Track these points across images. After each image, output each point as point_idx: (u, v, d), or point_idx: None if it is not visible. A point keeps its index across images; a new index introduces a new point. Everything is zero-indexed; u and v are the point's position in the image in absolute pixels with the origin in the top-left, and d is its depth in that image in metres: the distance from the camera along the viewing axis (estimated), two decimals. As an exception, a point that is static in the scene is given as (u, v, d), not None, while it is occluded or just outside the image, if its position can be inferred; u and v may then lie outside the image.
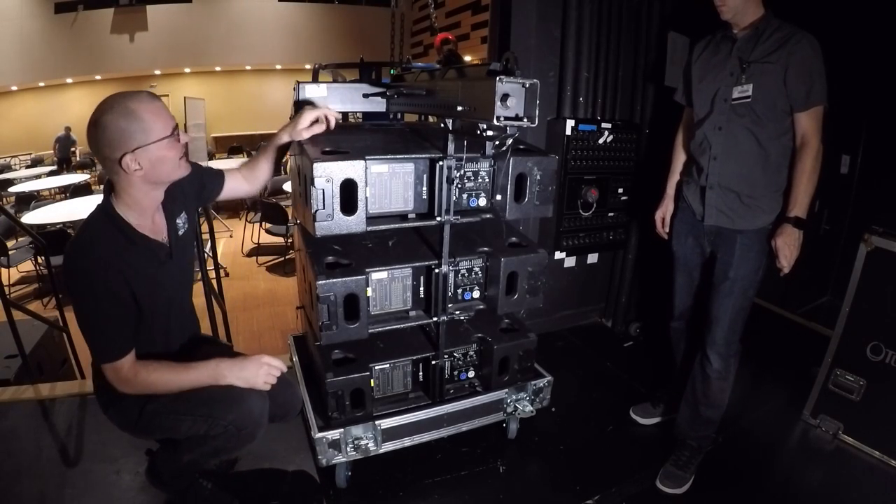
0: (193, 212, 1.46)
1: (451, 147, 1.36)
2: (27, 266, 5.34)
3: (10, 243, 4.98)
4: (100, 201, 1.24)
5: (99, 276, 1.15)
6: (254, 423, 1.27)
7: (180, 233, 1.36)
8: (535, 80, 1.10)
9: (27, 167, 11.07)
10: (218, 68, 12.91)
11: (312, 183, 1.22)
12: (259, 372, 1.28)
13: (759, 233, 1.61)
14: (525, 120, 1.11)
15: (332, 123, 1.49)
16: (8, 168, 10.96)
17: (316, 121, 1.46)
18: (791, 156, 1.59)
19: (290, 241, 5.26)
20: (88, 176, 8.94)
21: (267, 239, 5.65)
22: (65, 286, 1.20)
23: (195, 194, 1.45)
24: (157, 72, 13.06)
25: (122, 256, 1.19)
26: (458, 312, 1.58)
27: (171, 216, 1.33)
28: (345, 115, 1.97)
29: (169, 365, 1.26)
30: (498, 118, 1.08)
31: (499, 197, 1.48)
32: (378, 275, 1.49)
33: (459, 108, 1.22)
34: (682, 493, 1.67)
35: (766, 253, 1.62)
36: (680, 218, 1.81)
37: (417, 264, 1.53)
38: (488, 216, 1.52)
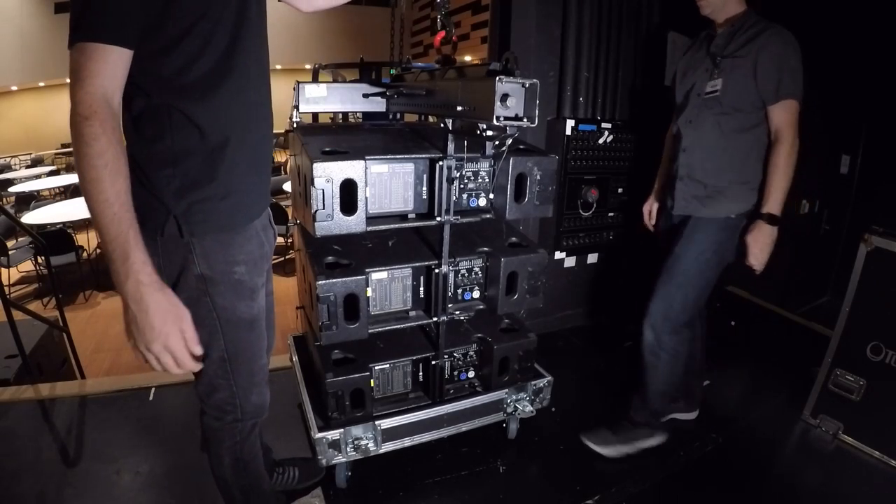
0: None
1: (451, 147, 1.36)
2: (27, 266, 5.34)
3: (10, 243, 4.99)
4: None
5: None
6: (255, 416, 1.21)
7: None
8: (535, 80, 1.10)
9: (27, 167, 11.07)
10: (218, 68, 12.90)
11: (312, 183, 1.22)
12: (161, 345, 0.87)
13: (715, 222, 1.64)
14: (525, 120, 1.11)
15: None
16: (8, 168, 10.97)
17: None
18: (767, 150, 1.60)
19: (289, 241, 5.26)
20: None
21: (267, 239, 5.64)
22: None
23: None
24: (157, 72, 13.05)
25: None
26: (458, 312, 1.58)
27: None
28: (345, 115, 1.97)
29: (126, 175, 0.84)
30: (498, 118, 1.08)
31: (501, 197, 1.48)
32: (378, 275, 1.49)
33: (459, 108, 1.22)
34: (607, 455, 1.77)
35: (721, 242, 1.65)
36: (664, 213, 1.86)
37: (417, 264, 1.53)
38: (488, 216, 1.52)
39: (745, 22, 1.58)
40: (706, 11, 1.62)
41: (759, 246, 1.60)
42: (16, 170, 10.86)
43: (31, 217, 5.29)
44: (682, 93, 1.72)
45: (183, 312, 0.90)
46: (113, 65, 0.85)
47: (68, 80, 0.88)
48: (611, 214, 2.57)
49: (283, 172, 7.48)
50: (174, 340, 0.88)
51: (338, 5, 1.26)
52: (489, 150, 1.36)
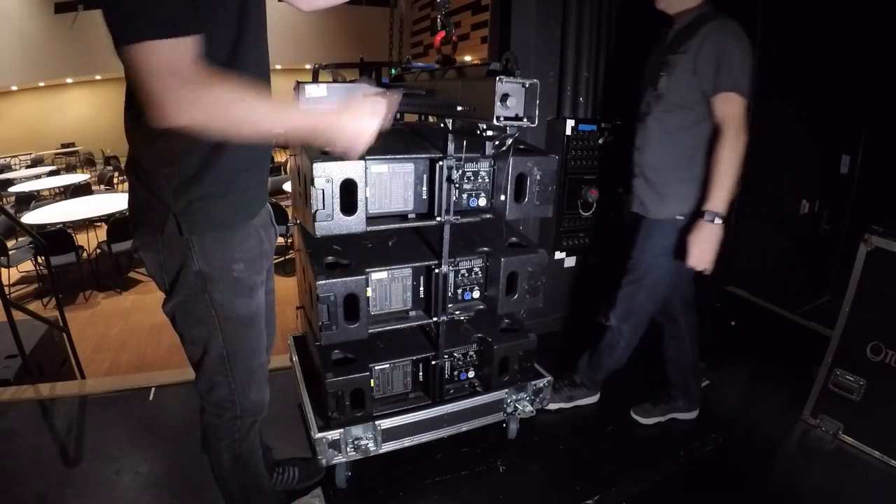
0: None
1: (451, 147, 1.36)
2: (27, 266, 5.35)
3: (10, 243, 4.99)
4: None
5: None
6: (255, 413, 1.22)
7: None
8: (535, 80, 1.10)
9: (27, 167, 11.07)
10: (218, 68, 12.91)
11: (312, 183, 1.22)
12: (371, 121, 0.97)
13: (664, 224, 1.67)
14: (525, 120, 1.11)
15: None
16: (8, 168, 10.96)
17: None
18: (705, 147, 1.59)
19: (289, 241, 5.26)
20: (88, 176, 8.95)
21: (267, 239, 5.64)
22: None
23: None
24: (157, 72, 13.04)
25: None
26: (458, 312, 1.58)
27: None
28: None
29: (254, 90, 0.85)
30: (498, 118, 1.08)
31: (502, 197, 1.48)
32: (378, 275, 1.49)
33: (459, 108, 1.22)
34: (546, 408, 1.89)
35: (668, 246, 1.67)
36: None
37: (417, 264, 1.53)
38: (488, 216, 1.52)
39: (698, 16, 1.54)
40: (661, 6, 1.60)
41: (699, 246, 1.55)
42: (16, 170, 10.86)
43: (31, 217, 5.29)
44: (643, 94, 1.72)
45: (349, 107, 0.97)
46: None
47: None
48: (611, 214, 2.57)
49: (283, 172, 7.48)
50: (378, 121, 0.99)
51: (337, 4, 1.26)
52: (489, 150, 1.36)
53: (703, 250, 1.56)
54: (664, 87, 1.58)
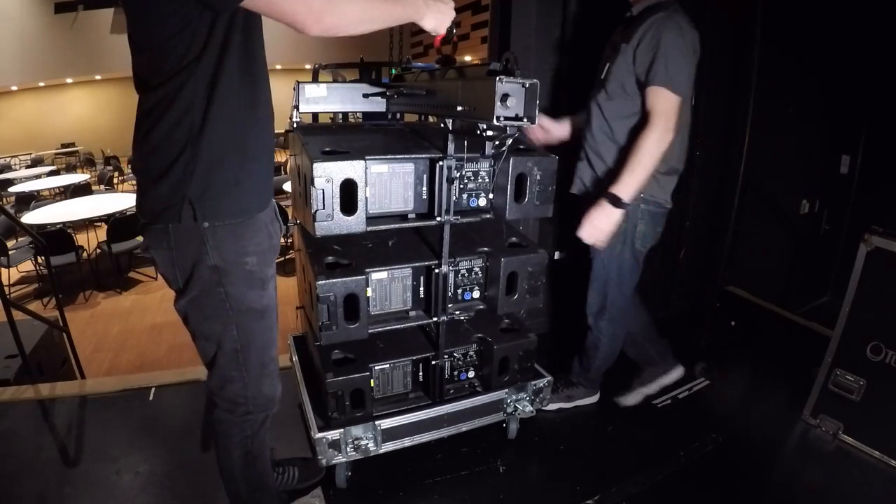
0: None
1: (451, 147, 1.36)
2: (27, 266, 5.35)
3: (10, 243, 4.99)
4: None
5: None
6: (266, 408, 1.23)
7: None
8: (535, 80, 1.10)
9: (27, 167, 11.07)
10: (218, 68, 12.90)
11: (312, 183, 1.22)
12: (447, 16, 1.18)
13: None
14: (525, 120, 1.11)
15: None
16: (8, 168, 10.96)
17: None
18: None
19: (289, 240, 5.25)
20: (88, 176, 8.95)
21: (267, 239, 5.64)
22: None
23: None
24: (157, 72, 13.02)
25: None
26: (458, 312, 1.58)
27: None
28: (345, 115, 1.97)
29: None
30: (498, 118, 1.08)
31: (502, 197, 1.48)
32: (378, 275, 1.49)
33: (459, 108, 1.22)
34: (545, 409, 1.90)
35: (623, 233, 1.68)
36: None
37: (417, 264, 1.53)
38: (488, 216, 1.52)
39: (649, 6, 1.56)
40: None
41: (592, 223, 1.59)
42: (16, 170, 10.86)
43: (31, 217, 5.29)
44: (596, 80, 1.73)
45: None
46: None
47: None
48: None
49: (283, 172, 7.47)
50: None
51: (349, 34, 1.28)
52: (489, 150, 1.36)
53: (595, 228, 1.60)
54: (606, 74, 1.62)
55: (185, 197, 0.99)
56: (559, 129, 1.93)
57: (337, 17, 0.95)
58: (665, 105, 1.50)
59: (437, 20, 1.15)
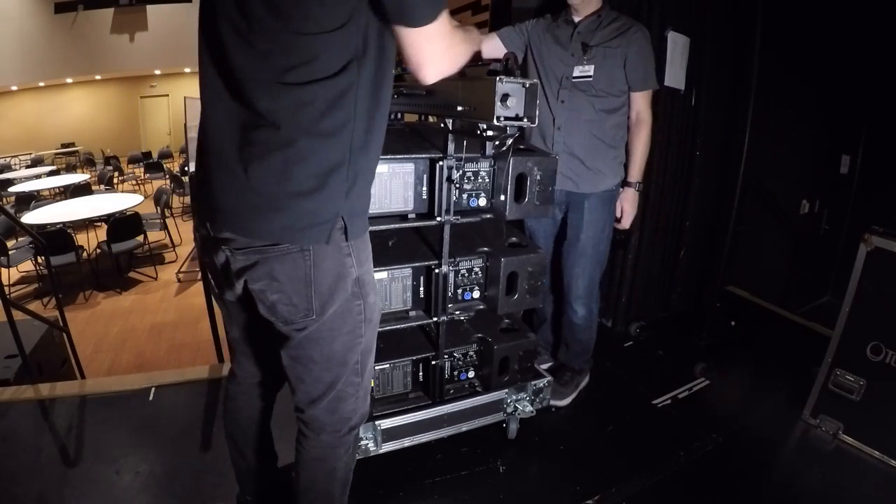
0: None
1: (451, 147, 1.36)
2: (27, 266, 5.35)
3: (10, 243, 4.99)
4: None
5: None
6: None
7: None
8: (535, 81, 1.11)
9: (27, 167, 11.07)
10: (218, 68, 12.89)
11: (312, 183, 1.21)
12: None
13: (603, 196, 1.85)
14: (525, 120, 1.11)
15: None
16: (8, 168, 10.96)
17: None
18: (626, 131, 1.84)
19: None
20: (88, 176, 8.95)
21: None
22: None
23: None
24: (158, 72, 13.06)
25: None
26: (458, 312, 1.58)
27: None
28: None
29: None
30: (498, 118, 1.08)
31: (501, 197, 1.48)
32: (378, 275, 1.49)
33: (459, 108, 1.22)
34: (565, 405, 2.02)
35: (611, 213, 1.89)
36: None
37: (417, 264, 1.53)
38: (488, 216, 1.52)
39: (608, 15, 1.76)
40: (574, 2, 1.73)
41: (633, 209, 1.90)
42: (16, 170, 10.86)
43: (31, 217, 5.30)
44: (553, 76, 1.80)
45: None
46: None
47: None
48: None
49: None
50: None
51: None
52: (489, 150, 1.36)
53: (632, 212, 1.91)
54: (592, 75, 1.74)
55: (338, 214, 0.91)
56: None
57: (452, 67, 0.97)
58: (650, 101, 1.82)
59: None
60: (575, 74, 1.75)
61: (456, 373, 1.70)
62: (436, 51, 0.90)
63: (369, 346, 1.12)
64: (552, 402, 1.91)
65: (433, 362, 1.63)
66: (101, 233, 5.35)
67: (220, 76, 0.90)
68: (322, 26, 0.83)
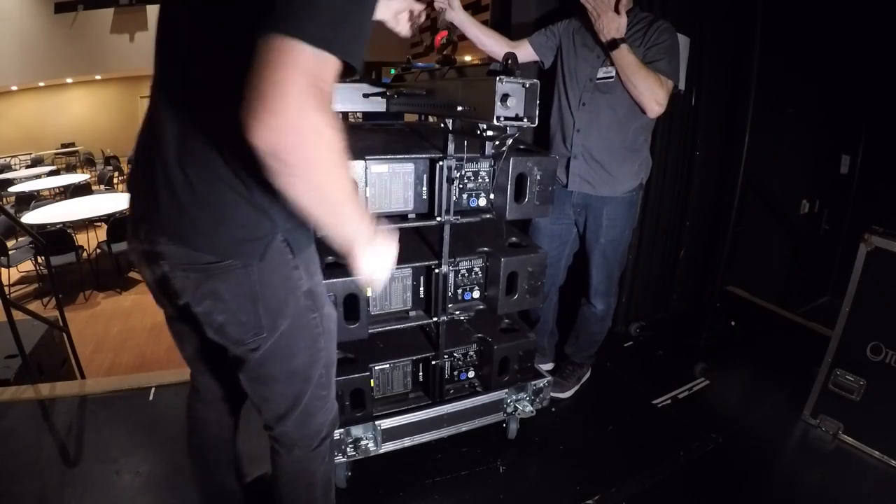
0: None
1: (451, 147, 1.36)
2: (27, 266, 5.35)
3: (10, 243, 4.99)
4: None
5: None
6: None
7: None
8: (535, 81, 1.10)
9: (27, 167, 11.07)
10: (218, 68, 12.89)
11: (312, 183, 1.21)
12: (385, 270, 0.93)
13: (623, 201, 1.83)
14: (525, 120, 1.11)
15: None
16: (8, 168, 10.96)
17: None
18: (647, 133, 1.80)
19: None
20: (88, 176, 8.95)
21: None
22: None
23: None
24: (157, 72, 12.99)
25: None
26: (458, 312, 1.58)
27: None
28: (345, 115, 1.97)
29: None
30: (498, 118, 1.08)
31: (502, 197, 1.47)
32: (378, 275, 1.49)
33: (459, 108, 1.22)
34: (566, 397, 2.08)
35: (631, 217, 1.88)
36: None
37: (417, 264, 1.53)
38: (488, 216, 1.52)
39: (636, 16, 1.70)
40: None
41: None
42: (16, 170, 10.85)
43: (31, 217, 5.29)
44: (579, 78, 1.77)
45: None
46: None
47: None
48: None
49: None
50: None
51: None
52: (489, 150, 1.36)
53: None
54: (615, 76, 1.68)
55: (278, 230, 0.87)
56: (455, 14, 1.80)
57: (308, 160, 0.69)
58: (668, 93, 1.68)
59: (372, 267, 0.90)
60: (599, 76, 1.72)
61: (456, 373, 1.70)
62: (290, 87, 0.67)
63: (331, 357, 1.08)
64: (553, 394, 1.94)
65: (433, 362, 1.63)
66: (101, 233, 5.35)
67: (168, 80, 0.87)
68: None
